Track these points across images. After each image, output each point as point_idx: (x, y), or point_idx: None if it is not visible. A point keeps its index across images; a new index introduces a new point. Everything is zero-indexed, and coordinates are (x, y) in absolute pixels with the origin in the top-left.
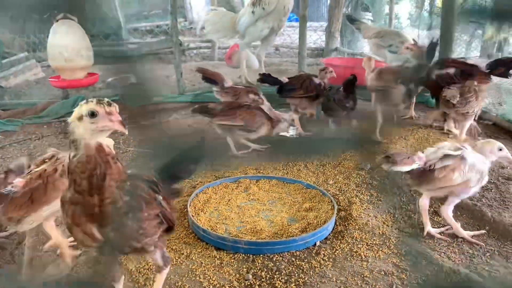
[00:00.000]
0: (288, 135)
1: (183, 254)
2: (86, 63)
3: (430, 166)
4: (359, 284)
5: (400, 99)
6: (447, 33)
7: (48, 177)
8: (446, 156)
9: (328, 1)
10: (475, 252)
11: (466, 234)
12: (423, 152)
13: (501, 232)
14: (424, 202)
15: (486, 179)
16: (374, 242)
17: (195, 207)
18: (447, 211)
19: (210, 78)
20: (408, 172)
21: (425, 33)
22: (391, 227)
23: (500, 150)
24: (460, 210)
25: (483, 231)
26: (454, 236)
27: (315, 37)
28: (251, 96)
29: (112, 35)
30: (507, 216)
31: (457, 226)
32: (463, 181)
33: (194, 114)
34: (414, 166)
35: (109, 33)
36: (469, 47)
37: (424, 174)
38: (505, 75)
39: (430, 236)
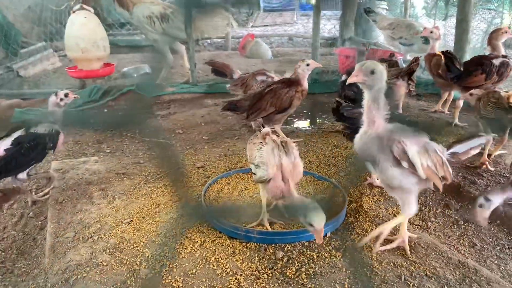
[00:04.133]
0: None
1: (197, 242)
2: (102, 53)
3: None
4: (369, 275)
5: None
6: (463, 23)
7: None
8: None
9: None
10: (485, 245)
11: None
12: None
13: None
14: None
15: None
16: None
17: (208, 197)
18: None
19: (219, 70)
20: None
21: (442, 23)
22: None
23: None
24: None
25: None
26: (464, 229)
27: (329, 26)
28: (259, 77)
29: (127, 24)
30: None
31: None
32: None
33: (206, 105)
34: None
35: (124, 23)
36: (486, 36)
37: None
38: None
39: None
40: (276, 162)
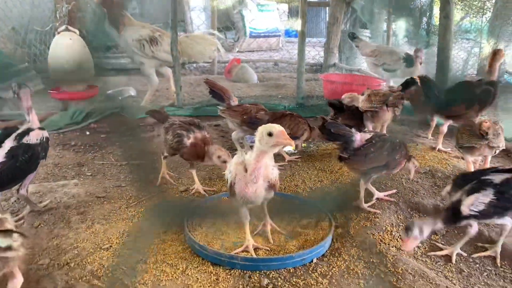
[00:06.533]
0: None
1: (179, 269)
2: (87, 75)
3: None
4: None
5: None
6: (445, 51)
7: None
8: None
9: (327, 18)
10: (472, 271)
11: None
12: None
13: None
14: None
15: None
16: (371, 260)
17: (192, 222)
18: None
19: (218, 92)
20: None
21: (424, 51)
22: (388, 244)
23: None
24: (458, 229)
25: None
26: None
27: (314, 53)
28: (261, 113)
29: (113, 47)
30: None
31: None
32: None
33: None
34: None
35: (110, 46)
36: (466, 65)
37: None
38: None
39: None
40: (238, 160)
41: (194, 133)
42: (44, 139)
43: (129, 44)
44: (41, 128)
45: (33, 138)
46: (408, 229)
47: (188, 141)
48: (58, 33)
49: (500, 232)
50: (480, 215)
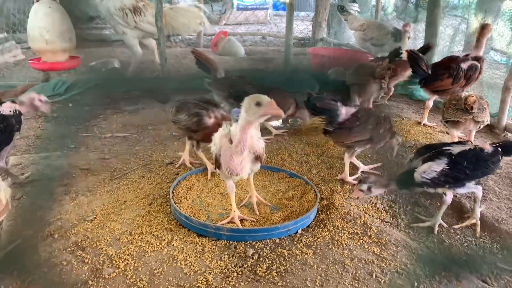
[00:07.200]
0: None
1: (164, 240)
2: (68, 45)
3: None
4: (340, 272)
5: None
6: (432, 26)
7: None
8: None
9: None
10: (453, 242)
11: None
12: None
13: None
14: None
15: None
16: (356, 231)
17: (177, 194)
18: None
19: (204, 63)
20: None
21: (412, 26)
22: (373, 216)
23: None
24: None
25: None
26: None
27: (302, 27)
28: (249, 87)
29: (96, 18)
30: (483, 207)
31: None
32: None
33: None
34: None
35: (94, 16)
36: (453, 41)
37: None
38: None
39: None
40: (223, 132)
41: (213, 112)
42: (17, 111)
43: (111, 13)
44: (12, 101)
45: (6, 109)
46: (360, 182)
47: (209, 121)
48: (37, 1)
49: (474, 200)
50: (432, 183)
